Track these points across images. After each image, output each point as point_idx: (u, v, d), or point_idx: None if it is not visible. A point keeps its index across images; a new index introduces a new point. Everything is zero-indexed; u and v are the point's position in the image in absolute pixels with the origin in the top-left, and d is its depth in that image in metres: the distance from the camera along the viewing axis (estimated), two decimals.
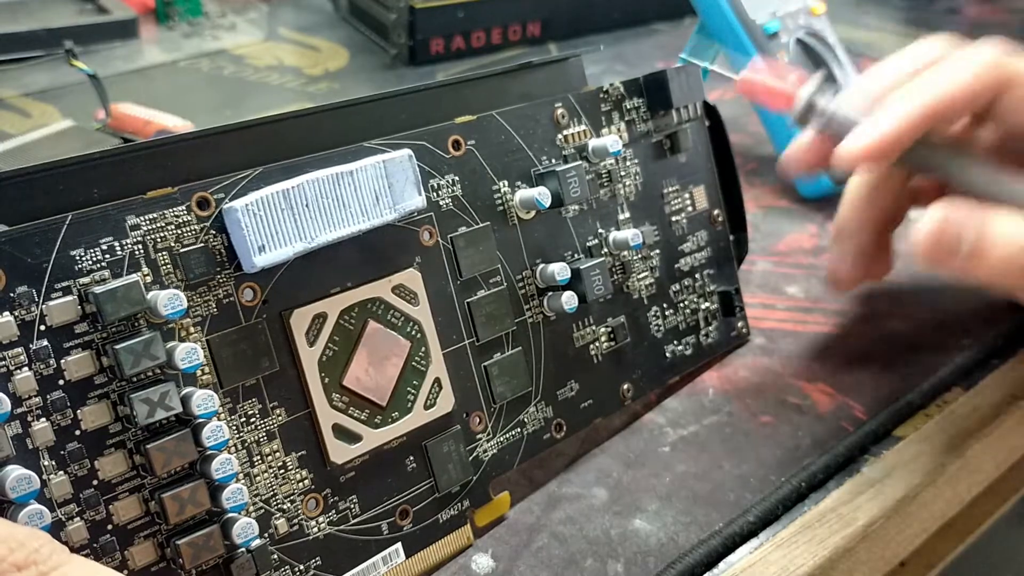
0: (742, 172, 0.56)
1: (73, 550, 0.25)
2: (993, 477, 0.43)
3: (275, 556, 0.28)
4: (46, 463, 0.25)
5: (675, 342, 0.39)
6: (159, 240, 0.26)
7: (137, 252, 0.26)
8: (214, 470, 0.26)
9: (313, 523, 0.29)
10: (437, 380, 0.32)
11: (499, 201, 0.34)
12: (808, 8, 0.56)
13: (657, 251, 0.39)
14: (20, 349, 0.24)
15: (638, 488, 0.35)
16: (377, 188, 0.30)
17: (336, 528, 0.30)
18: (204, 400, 0.26)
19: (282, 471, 0.29)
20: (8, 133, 0.47)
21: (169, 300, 0.25)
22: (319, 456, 0.29)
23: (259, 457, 0.28)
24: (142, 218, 0.26)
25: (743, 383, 0.40)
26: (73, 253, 0.25)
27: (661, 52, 0.72)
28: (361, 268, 0.30)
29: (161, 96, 0.63)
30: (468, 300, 0.33)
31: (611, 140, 0.36)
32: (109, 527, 0.25)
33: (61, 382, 0.25)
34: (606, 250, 0.37)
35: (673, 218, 0.40)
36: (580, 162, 0.35)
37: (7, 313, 0.24)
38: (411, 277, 0.31)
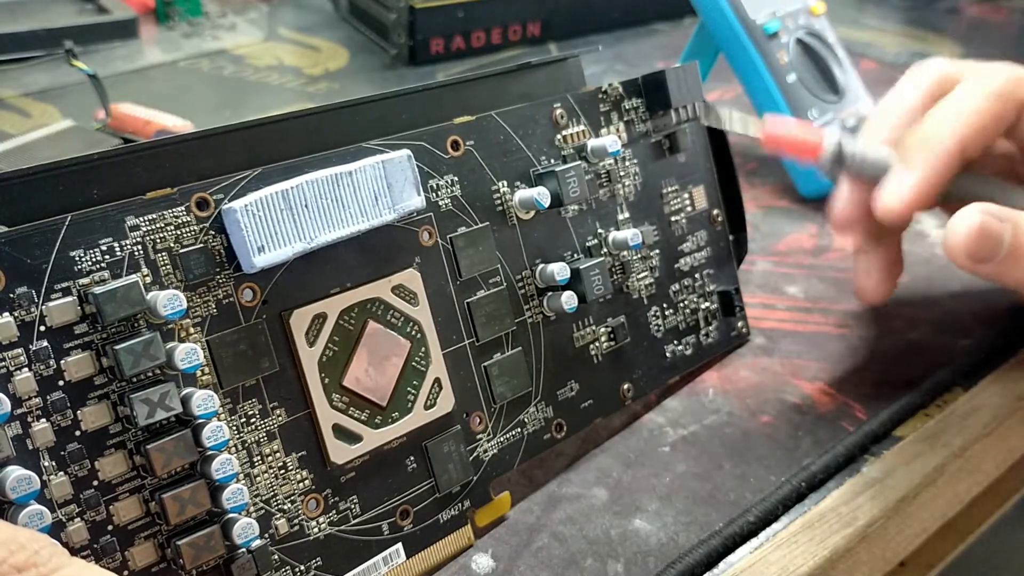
0: (742, 172, 0.56)
1: (73, 551, 0.25)
2: (993, 477, 0.43)
3: (276, 557, 0.28)
4: (46, 464, 0.25)
5: (675, 342, 0.39)
6: (159, 241, 0.26)
7: (137, 253, 0.26)
8: (214, 470, 0.26)
9: (314, 523, 0.29)
10: (437, 380, 0.32)
11: (498, 201, 0.34)
12: (808, 8, 0.56)
13: (657, 251, 0.39)
14: (20, 350, 0.24)
15: (638, 488, 0.35)
16: (376, 188, 0.30)
17: (337, 528, 0.30)
18: (204, 400, 0.26)
19: (282, 471, 0.29)
20: (8, 133, 0.47)
21: (169, 300, 0.25)
22: (319, 456, 0.29)
23: (259, 457, 0.28)
24: (141, 219, 0.26)
25: (743, 383, 0.40)
26: (73, 254, 0.25)
27: (661, 52, 0.72)
28: (361, 268, 0.30)
29: (161, 96, 0.63)
30: (468, 300, 0.33)
31: (610, 140, 0.36)
32: (109, 528, 0.25)
33: (61, 383, 0.25)
34: (605, 250, 0.37)
35: (672, 218, 0.40)
36: (579, 162, 0.35)
37: (7, 314, 0.24)
38: (411, 277, 0.31)
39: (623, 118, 0.38)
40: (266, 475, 0.28)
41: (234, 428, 0.28)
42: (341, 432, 0.30)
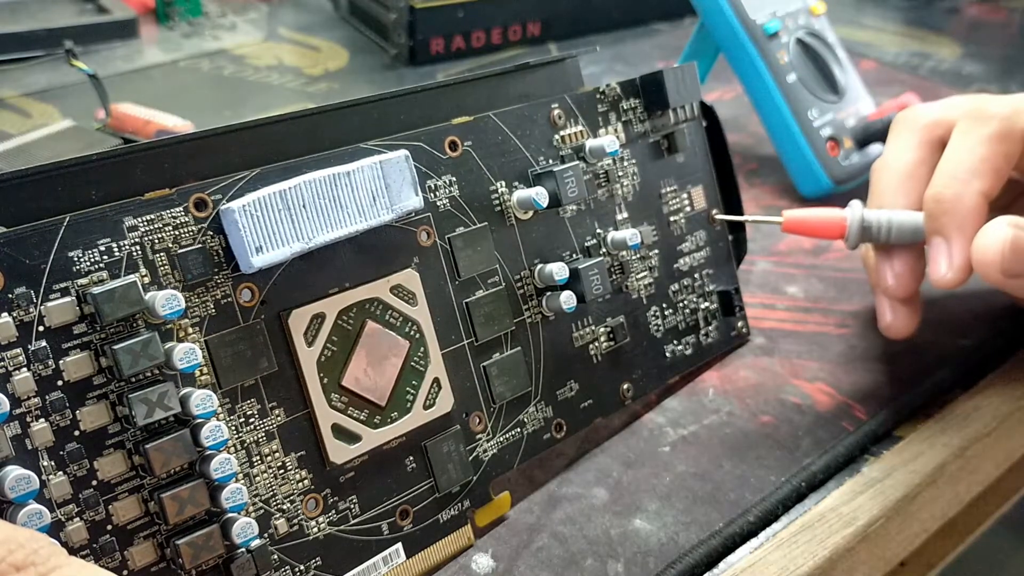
0: (742, 172, 0.56)
1: (73, 550, 0.25)
2: (993, 477, 0.43)
3: (275, 556, 0.28)
4: (45, 463, 0.25)
5: (675, 342, 0.39)
6: (157, 241, 0.26)
7: (135, 253, 0.26)
8: (213, 470, 0.26)
9: (313, 523, 0.29)
10: (436, 380, 0.32)
11: (496, 201, 0.34)
12: (808, 8, 0.56)
13: (656, 251, 0.39)
14: (19, 350, 0.24)
15: (638, 488, 0.35)
16: (374, 188, 0.30)
17: (336, 528, 0.30)
18: (203, 400, 0.26)
19: (281, 471, 0.29)
20: (8, 133, 0.47)
21: (167, 300, 0.25)
22: (318, 456, 0.29)
23: (258, 457, 0.28)
24: (140, 219, 0.26)
25: (743, 383, 0.40)
26: (71, 254, 0.25)
27: (661, 52, 0.72)
28: (359, 269, 0.30)
29: (161, 96, 0.63)
30: (466, 300, 0.33)
31: (608, 140, 0.36)
32: (109, 527, 0.25)
33: (60, 383, 0.25)
34: (604, 250, 0.37)
35: (671, 218, 0.40)
36: (577, 162, 0.35)
37: (5, 314, 0.24)
38: (409, 277, 0.31)
39: (621, 118, 0.38)
40: (265, 475, 0.28)
41: (233, 428, 0.28)
42: (340, 432, 0.30)
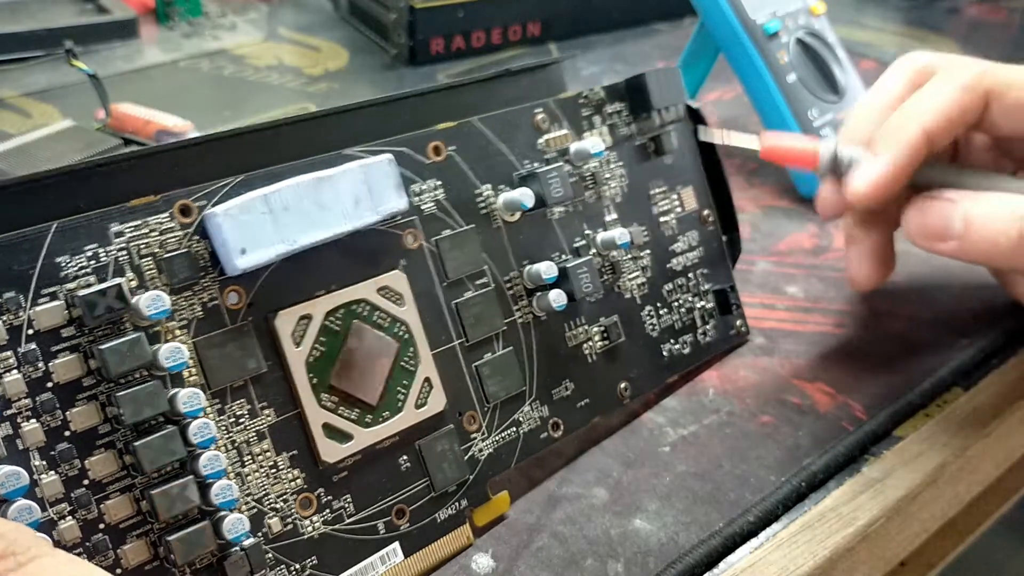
0: (742, 172, 0.56)
1: (66, 548, 0.25)
2: (993, 477, 0.43)
3: (270, 555, 0.28)
4: (37, 463, 0.25)
5: (672, 341, 0.39)
6: (143, 246, 0.27)
7: (122, 258, 0.26)
8: (202, 467, 0.26)
9: (307, 522, 0.29)
10: (427, 380, 0.32)
11: (483, 204, 0.34)
12: (808, 8, 0.55)
13: (647, 251, 0.39)
14: (9, 352, 0.24)
15: (638, 488, 0.35)
16: (357, 192, 0.30)
17: (331, 527, 0.30)
18: (190, 398, 0.26)
19: (273, 471, 0.29)
20: (8, 133, 0.47)
21: (152, 301, 0.26)
22: (310, 456, 0.29)
23: (250, 457, 0.28)
24: (125, 225, 0.27)
25: (743, 383, 0.40)
26: (59, 260, 0.25)
27: (661, 52, 0.72)
28: (346, 271, 0.31)
29: (161, 96, 0.63)
30: (456, 301, 0.33)
31: (592, 142, 0.36)
32: (101, 526, 0.25)
33: (50, 384, 0.25)
34: (594, 250, 0.37)
35: (662, 219, 0.40)
36: (561, 163, 0.35)
37: None
38: (396, 278, 0.32)
39: (606, 121, 0.38)
40: (257, 474, 0.28)
41: (223, 428, 0.28)
42: (331, 431, 0.30)
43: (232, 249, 0.27)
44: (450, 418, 0.32)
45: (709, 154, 0.42)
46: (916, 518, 0.38)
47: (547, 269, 0.34)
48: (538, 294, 0.35)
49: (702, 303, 0.41)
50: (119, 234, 0.27)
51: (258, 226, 0.28)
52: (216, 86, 0.66)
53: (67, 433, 0.25)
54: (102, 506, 0.25)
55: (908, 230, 0.37)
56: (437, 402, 0.32)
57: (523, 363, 0.34)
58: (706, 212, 0.41)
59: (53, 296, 0.25)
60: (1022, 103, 0.38)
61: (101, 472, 0.26)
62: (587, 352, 0.36)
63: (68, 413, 0.25)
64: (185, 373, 0.27)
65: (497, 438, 0.34)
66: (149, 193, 0.27)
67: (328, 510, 0.30)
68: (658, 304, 0.39)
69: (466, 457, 0.33)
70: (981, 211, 0.35)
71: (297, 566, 0.29)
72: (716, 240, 0.42)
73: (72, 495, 0.25)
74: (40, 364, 0.25)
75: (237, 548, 0.27)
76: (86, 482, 0.25)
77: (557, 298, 0.34)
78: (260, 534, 0.28)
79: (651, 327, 0.39)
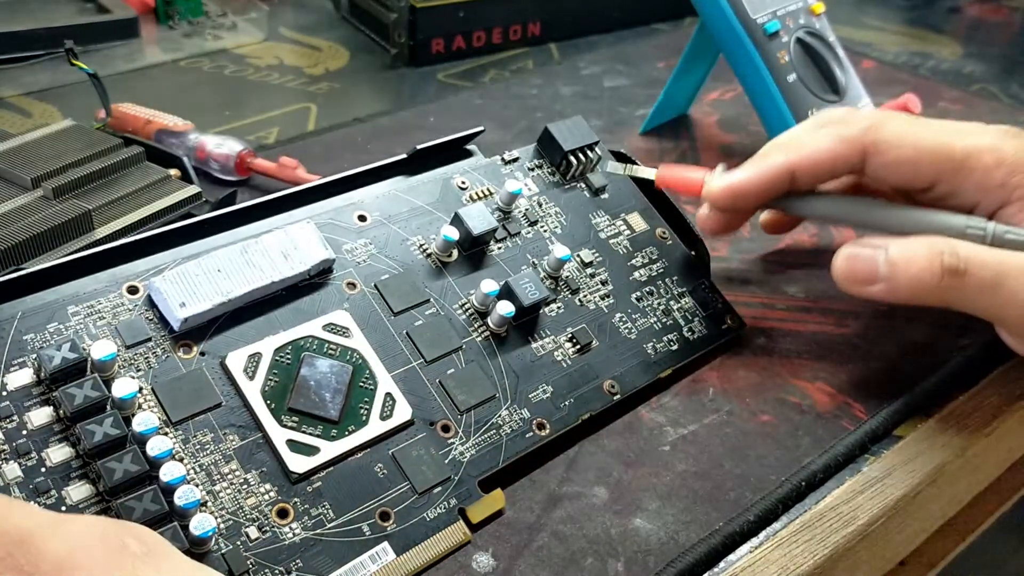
0: None
1: None
2: (993, 477, 0.43)
3: (251, 561, 0.29)
4: (17, 495, 0.28)
5: (655, 340, 0.40)
6: (99, 319, 0.31)
7: (80, 329, 0.31)
8: (163, 475, 0.29)
9: (287, 529, 0.30)
10: (389, 394, 0.34)
11: (416, 251, 0.38)
12: (808, 7, 0.56)
13: (603, 268, 0.41)
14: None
15: (638, 487, 0.35)
16: (284, 248, 0.34)
17: (312, 532, 0.31)
18: (144, 419, 0.29)
19: (245, 486, 0.30)
20: (8, 133, 0.47)
21: (101, 348, 0.30)
22: (280, 470, 0.31)
23: (219, 476, 0.30)
24: (81, 306, 0.31)
25: (743, 383, 0.40)
26: (25, 338, 0.30)
27: (661, 52, 0.72)
28: (291, 317, 0.34)
29: (162, 96, 0.63)
30: (407, 329, 0.35)
31: (510, 184, 0.40)
32: None
33: (24, 432, 0.29)
34: (544, 273, 0.39)
35: (611, 241, 0.42)
36: (479, 202, 0.39)
37: None
38: (340, 316, 0.35)
39: (527, 175, 0.42)
40: (228, 491, 0.30)
41: (189, 454, 0.30)
42: (297, 446, 0.31)
43: (173, 305, 0.32)
44: (421, 427, 0.34)
45: (650, 185, 0.44)
46: (916, 518, 0.38)
47: (487, 285, 0.37)
48: (491, 313, 0.37)
49: (679, 304, 0.41)
50: (76, 313, 0.31)
51: (195, 285, 0.32)
52: (217, 86, 0.66)
53: (43, 469, 0.28)
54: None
55: (837, 278, 0.38)
56: (403, 413, 0.34)
57: (490, 374, 0.36)
58: (660, 230, 0.43)
59: (22, 364, 0.30)
60: (900, 162, 0.39)
61: (77, 497, 0.28)
62: (559, 358, 0.38)
63: (43, 453, 0.29)
64: (138, 399, 0.30)
65: (478, 440, 0.34)
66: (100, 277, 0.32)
67: (307, 516, 0.31)
68: (629, 311, 0.40)
69: (447, 460, 0.34)
70: (904, 252, 0.36)
71: (281, 569, 0.30)
72: (679, 251, 0.43)
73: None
74: (14, 417, 0.29)
75: (216, 552, 0.29)
76: (63, 509, 0.28)
77: (504, 307, 0.36)
78: (239, 542, 0.29)
79: (627, 331, 0.40)
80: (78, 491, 0.28)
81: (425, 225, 0.38)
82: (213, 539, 0.29)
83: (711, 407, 0.39)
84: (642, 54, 0.72)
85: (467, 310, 0.37)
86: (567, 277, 0.40)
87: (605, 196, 0.43)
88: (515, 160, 0.42)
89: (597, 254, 0.41)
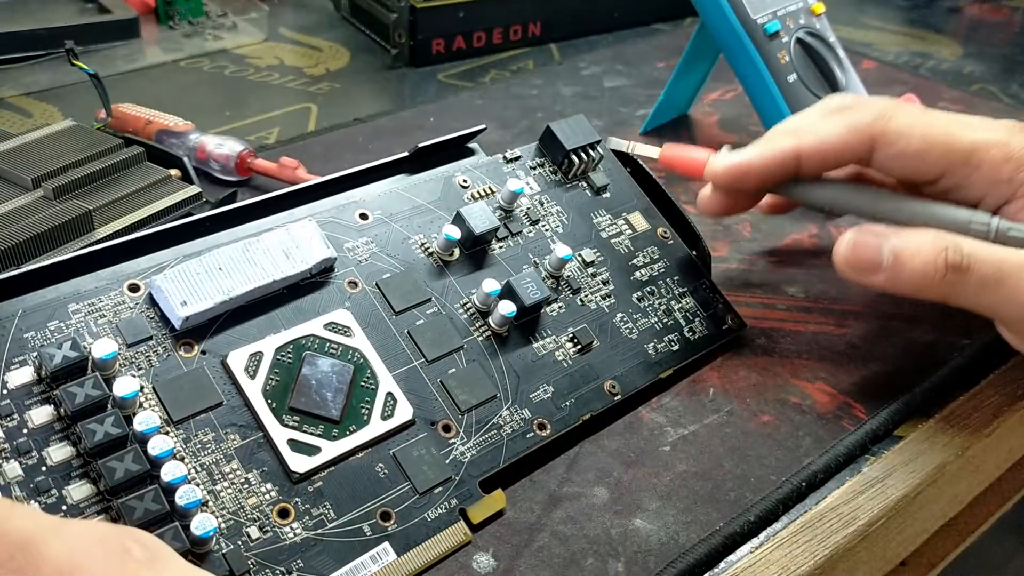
0: None
1: None
2: (993, 477, 0.43)
3: (251, 561, 0.29)
4: (18, 495, 0.28)
5: (655, 340, 0.40)
6: (99, 317, 0.31)
7: (81, 328, 0.31)
8: (164, 475, 0.29)
9: (287, 529, 0.30)
10: (390, 394, 0.34)
11: (418, 250, 0.37)
12: (808, 8, 0.56)
13: (604, 268, 0.41)
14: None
15: (638, 487, 0.35)
16: (286, 247, 0.34)
17: (313, 532, 0.31)
18: (145, 419, 0.29)
19: (246, 486, 0.30)
20: (8, 133, 0.47)
21: (103, 347, 0.29)
22: (281, 470, 0.31)
23: (220, 476, 0.30)
24: (82, 304, 0.31)
25: (743, 383, 0.40)
26: (26, 336, 0.30)
27: (661, 52, 0.72)
28: (293, 316, 0.34)
29: (162, 96, 0.63)
30: (408, 328, 0.35)
31: (512, 183, 0.39)
32: None
33: (25, 431, 0.29)
34: (545, 273, 0.39)
35: (613, 241, 0.42)
36: (481, 200, 0.39)
37: None
38: (342, 315, 0.34)
39: (529, 173, 0.42)
40: (229, 491, 0.30)
41: (190, 453, 0.30)
42: (298, 445, 0.31)
43: (174, 303, 0.31)
44: (422, 426, 0.34)
45: (651, 186, 0.44)
46: (916, 518, 0.38)
47: (489, 285, 0.37)
48: (492, 312, 0.37)
49: (680, 304, 0.41)
50: (77, 311, 0.31)
51: (196, 283, 0.32)
52: (217, 86, 0.66)
53: (43, 468, 0.28)
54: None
55: (838, 263, 0.37)
56: (404, 412, 0.33)
57: (491, 374, 0.36)
58: (661, 230, 0.43)
59: (23, 363, 0.30)
60: (908, 153, 0.39)
61: (78, 497, 0.28)
62: (560, 358, 0.38)
63: (44, 452, 0.28)
64: (141, 399, 0.30)
65: (478, 440, 0.34)
66: (101, 274, 0.32)
67: (308, 516, 0.31)
68: (630, 311, 0.40)
69: (447, 460, 0.33)
70: (908, 244, 0.36)
71: (282, 569, 0.30)
72: (681, 251, 0.43)
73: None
74: (15, 416, 0.29)
75: (217, 553, 0.29)
76: (64, 508, 0.28)
77: (506, 307, 0.36)
78: (239, 542, 0.29)
79: (628, 331, 0.40)
80: (79, 491, 0.28)
81: (427, 224, 0.38)
82: (214, 539, 0.29)
83: (711, 407, 0.39)
84: (642, 54, 0.72)
85: (468, 309, 0.37)
86: (568, 276, 0.40)
87: (607, 195, 0.43)
88: (517, 159, 0.42)
89: (598, 253, 0.41)
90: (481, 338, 0.37)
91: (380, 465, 0.33)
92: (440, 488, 0.33)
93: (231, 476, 0.30)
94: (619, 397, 0.38)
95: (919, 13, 0.84)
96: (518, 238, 0.40)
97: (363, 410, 0.33)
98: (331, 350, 0.33)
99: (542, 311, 0.38)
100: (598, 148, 0.43)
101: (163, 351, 0.31)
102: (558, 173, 0.43)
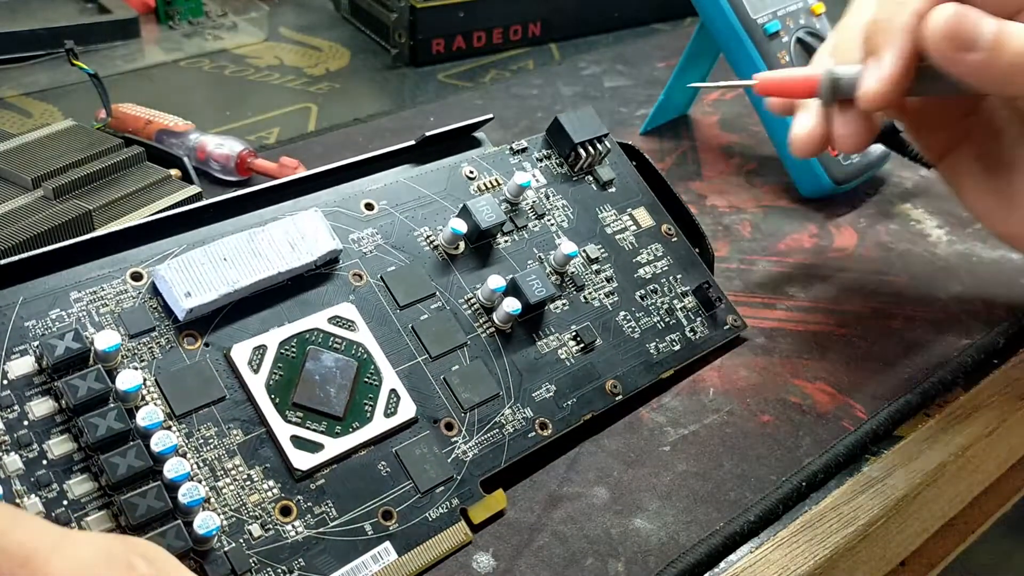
0: (742, 172, 0.56)
1: None
2: (993, 477, 0.43)
3: (254, 559, 0.29)
4: (18, 488, 0.27)
5: (657, 340, 0.40)
6: (102, 306, 0.31)
7: (83, 317, 0.30)
8: (167, 472, 0.28)
9: (289, 527, 0.30)
10: (393, 391, 0.33)
11: (423, 243, 0.37)
12: (809, 8, 0.56)
13: (608, 265, 0.41)
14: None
15: (638, 487, 0.35)
16: (291, 238, 0.34)
17: (315, 531, 0.30)
18: (148, 414, 0.29)
19: (248, 483, 0.30)
20: (9, 133, 0.47)
21: (105, 338, 0.29)
22: (284, 467, 0.31)
23: (222, 472, 0.30)
24: (84, 292, 0.31)
25: (743, 383, 0.40)
26: (27, 324, 0.29)
27: (661, 52, 0.72)
28: (297, 309, 0.34)
29: (162, 96, 0.63)
30: (412, 323, 0.35)
31: (519, 176, 0.39)
32: None
33: (25, 423, 0.28)
34: (549, 269, 0.39)
35: (617, 237, 0.42)
36: (487, 193, 0.39)
37: None
38: (346, 309, 0.34)
39: (535, 165, 0.41)
40: (231, 487, 0.30)
41: (193, 449, 0.30)
42: (301, 442, 0.31)
43: (178, 294, 0.31)
44: (425, 424, 0.34)
45: (655, 179, 0.44)
46: (916, 518, 0.38)
47: (494, 281, 0.36)
48: (497, 308, 0.37)
49: (682, 303, 0.41)
50: (79, 300, 0.30)
51: (200, 273, 0.31)
52: (217, 86, 0.66)
53: (44, 461, 0.28)
54: (83, 522, 0.28)
55: (932, 36, 0.33)
56: (407, 410, 0.33)
57: (494, 372, 0.36)
58: (665, 227, 0.43)
59: (23, 352, 0.29)
60: None
61: (79, 492, 0.28)
62: (563, 357, 0.37)
63: (45, 445, 0.28)
64: (144, 395, 0.30)
65: (480, 440, 0.34)
66: (103, 263, 0.32)
67: (310, 515, 0.31)
68: (633, 309, 0.40)
69: (449, 459, 0.33)
70: (1015, 27, 0.33)
71: (283, 568, 0.29)
72: (684, 248, 0.43)
73: (53, 514, 0.28)
74: (16, 407, 0.28)
75: (219, 551, 0.29)
76: (65, 502, 0.28)
77: (511, 304, 0.36)
78: (241, 540, 0.29)
79: (630, 329, 0.40)
80: (80, 486, 0.28)
81: (432, 215, 0.38)
82: (216, 538, 0.29)
83: (711, 407, 0.39)
84: (642, 54, 0.72)
85: (472, 305, 0.37)
86: (573, 273, 0.39)
87: (612, 190, 0.43)
88: (523, 150, 0.42)
89: (603, 250, 0.41)
90: (484, 335, 0.36)
91: (382, 463, 0.32)
92: (442, 487, 0.33)
93: (233, 472, 0.30)
94: (620, 397, 0.38)
95: None
96: (523, 232, 0.39)
97: (366, 407, 0.33)
98: (335, 345, 0.33)
99: (546, 308, 0.38)
100: (605, 142, 0.43)
101: (166, 343, 0.31)
102: (564, 166, 0.42)
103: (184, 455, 0.30)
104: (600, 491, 0.35)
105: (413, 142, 0.40)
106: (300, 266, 0.33)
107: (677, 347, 0.40)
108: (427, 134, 0.40)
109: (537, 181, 0.41)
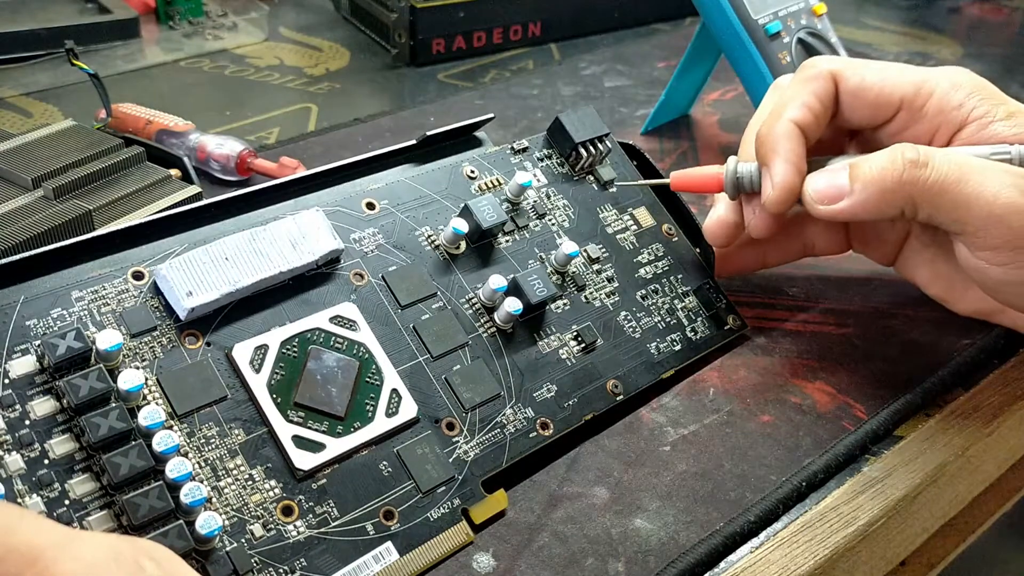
0: None
1: None
2: (993, 477, 0.43)
3: (255, 559, 0.29)
4: (20, 487, 0.27)
5: (658, 340, 0.40)
6: (103, 305, 0.31)
7: (84, 316, 0.30)
8: (169, 471, 0.28)
9: (291, 527, 0.30)
10: (395, 391, 0.33)
11: (424, 242, 0.37)
12: (810, 8, 0.56)
13: (609, 265, 0.41)
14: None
15: (639, 487, 0.35)
16: (293, 238, 0.34)
17: (317, 531, 0.30)
18: (150, 413, 0.29)
19: (250, 482, 0.30)
20: (9, 133, 0.47)
21: (107, 338, 0.29)
22: (285, 466, 0.31)
23: (224, 471, 0.30)
24: (85, 291, 0.31)
25: (743, 383, 0.40)
26: (28, 323, 0.29)
27: (661, 52, 0.72)
28: (298, 309, 0.34)
29: (162, 96, 0.63)
30: (414, 323, 0.35)
31: (520, 176, 0.39)
32: None
33: (27, 422, 0.28)
34: (551, 269, 0.39)
35: (618, 236, 0.42)
36: (489, 193, 0.39)
37: None
38: (347, 308, 0.34)
39: (537, 165, 0.42)
40: (233, 487, 0.30)
41: (194, 448, 0.30)
42: (302, 441, 0.31)
43: (179, 293, 0.31)
44: (426, 424, 0.34)
45: (658, 178, 0.43)
46: (916, 518, 0.38)
47: (496, 281, 0.36)
48: (498, 308, 0.37)
49: (683, 304, 0.41)
50: (80, 299, 0.30)
51: (202, 273, 0.31)
52: (217, 86, 0.66)
53: (46, 461, 0.28)
54: (84, 522, 0.28)
55: (807, 201, 0.38)
56: (408, 410, 0.33)
57: (495, 372, 0.36)
58: (666, 227, 0.43)
59: (24, 351, 0.29)
60: (865, 85, 0.39)
61: (80, 491, 0.28)
62: (564, 356, 0.38)
63: (46, 444, 0.28)
64: (146, 395, 0.30)
65: (482, 440, 0.34)
66: (105, 262, 0.32)
67: (311, 515, 0.31)
68: (634, 309, 0.40)
69: (451, 459, 0.33)
70: (862, 161, 0.37)
71: (285, 567, 0.29)
72: (685, 249, 0.43)
73: (55, 514, 0.27)
74: (17, 406, 0.28)
75: (220, 550, 0.29)
76: (67, 502, 0.28)
77: (512, 304, 0.36)
78: (243, 540, 0.29)
79: (631, 329, 0.40)
80: (81, 486, 0.28)
81: (433, 214, 0.38)
82: (218, 537, 0.29)
83: (711, 407, 0.39)
84: (642, 54, 0.72)
85: (474, 305, 0.37)
86: (574, 273, 0.40)
87: (613, 190, 0.43)
88: (524, 149, 0.42)
89: (604, 250, 0.41)
90: (486, 334, 0.36)
91: (384, 463, 0.32)
92: (443, 487, 0.33)
93: (235, 472, 0.30)
94: (621, 397, 0.38)
95: (919, 13, 0.84)
96: (524, 232, 0.39)
97: (368, 406, 0.33)
98: (337, 344, 0.33)
99: (547, 308, 0.38)
100: (606, 141, 0.43)
101: (167, 342, 0.31)
102: (565, 165, 0.42)
103: (186, 455, 0.29)
104: (600, 491, 0.35)
105: (414, 142, 0.40)
106: (302, 265, 0.33)
107: (678, 347, 0.40)
108: (428, 133, 0.40)
109: (538, 181, 0.41)
